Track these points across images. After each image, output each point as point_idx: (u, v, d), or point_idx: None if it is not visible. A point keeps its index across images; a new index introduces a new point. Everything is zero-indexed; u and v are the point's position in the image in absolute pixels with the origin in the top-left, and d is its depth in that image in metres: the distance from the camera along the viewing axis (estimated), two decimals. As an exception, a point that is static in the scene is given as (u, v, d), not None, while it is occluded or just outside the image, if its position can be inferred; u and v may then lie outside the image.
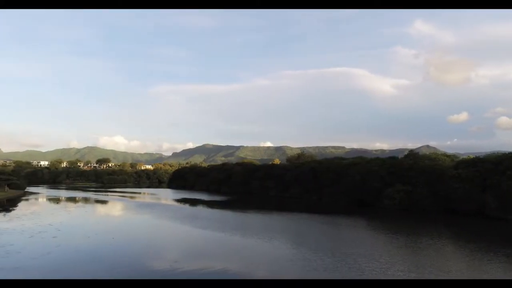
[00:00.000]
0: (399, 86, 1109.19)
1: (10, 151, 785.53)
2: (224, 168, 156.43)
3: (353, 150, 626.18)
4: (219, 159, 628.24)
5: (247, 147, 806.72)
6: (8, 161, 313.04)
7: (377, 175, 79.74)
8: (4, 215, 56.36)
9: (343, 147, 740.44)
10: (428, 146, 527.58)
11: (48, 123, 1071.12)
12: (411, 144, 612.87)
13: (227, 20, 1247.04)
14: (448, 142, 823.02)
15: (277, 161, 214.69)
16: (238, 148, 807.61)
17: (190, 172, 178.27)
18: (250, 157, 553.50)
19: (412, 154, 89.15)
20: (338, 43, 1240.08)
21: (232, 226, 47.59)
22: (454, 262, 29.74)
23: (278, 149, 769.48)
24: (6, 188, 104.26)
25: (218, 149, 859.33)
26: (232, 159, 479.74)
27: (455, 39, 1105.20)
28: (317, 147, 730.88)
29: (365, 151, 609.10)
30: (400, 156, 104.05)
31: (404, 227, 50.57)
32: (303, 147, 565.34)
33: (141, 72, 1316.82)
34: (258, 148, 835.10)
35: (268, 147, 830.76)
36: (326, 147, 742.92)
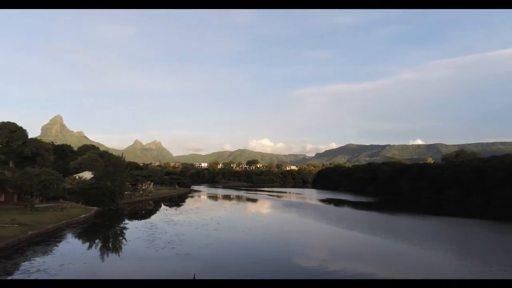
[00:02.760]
0: None
1: (178, 154, 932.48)
2: (369, 168, 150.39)
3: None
4: (363, 159, 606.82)
5: (394, 145, 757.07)
6: (177, 164, 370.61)
7: None
8: (176, 209, 66.37)
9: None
10: None
11: (206, 130, 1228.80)
12: None
13: (367, 15, 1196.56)
14: None
15: (430, 160, 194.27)
16: (383, 147, 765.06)
17: (334, 172, 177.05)
18: (397, 156, 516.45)
19: None
20: (503, 18, 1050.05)
21: (382, 229, 44.86)
22: None
23: (430, 147, 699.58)
24: (176, 186, 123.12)
25: (361, 149, 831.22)
26: (377, 159, 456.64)
27: None
28: (480, 143, 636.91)
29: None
30: None
31: None
32: (462, 144, 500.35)
33: (286, 76, 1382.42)
34: (407, 146, 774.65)
35: (419, 146, 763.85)
36: (493, 143, 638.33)
